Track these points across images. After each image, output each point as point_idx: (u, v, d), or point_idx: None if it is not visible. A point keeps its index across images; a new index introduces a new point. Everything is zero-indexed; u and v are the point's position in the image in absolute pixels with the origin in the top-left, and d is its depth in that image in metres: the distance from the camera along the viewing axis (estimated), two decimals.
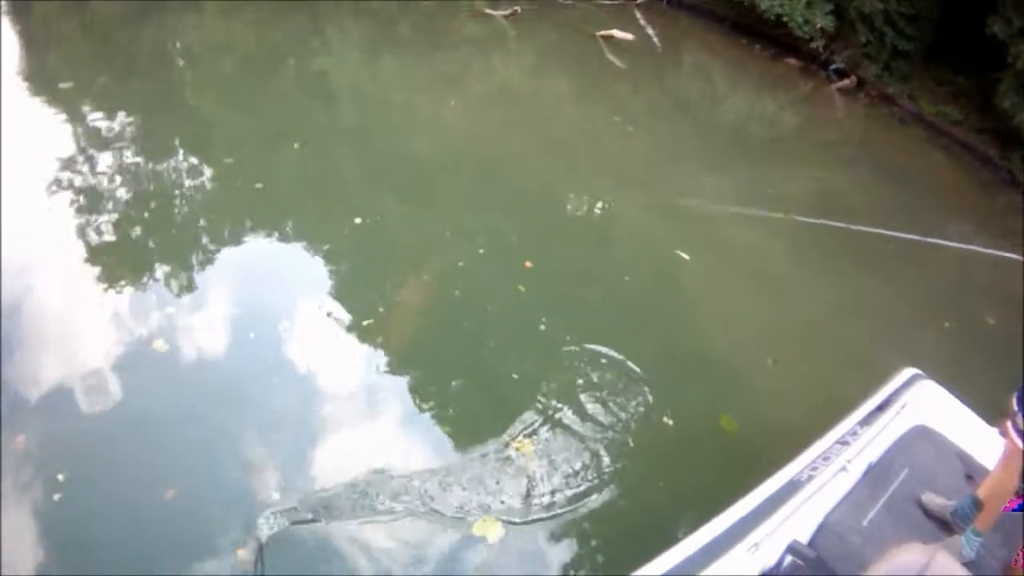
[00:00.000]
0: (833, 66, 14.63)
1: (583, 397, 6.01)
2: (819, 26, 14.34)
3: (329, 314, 6.59)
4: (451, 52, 13.23)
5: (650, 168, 10.57)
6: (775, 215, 5.99)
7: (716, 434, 5.96)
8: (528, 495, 5.09)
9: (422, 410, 5.92)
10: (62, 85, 9.90)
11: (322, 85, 11.41)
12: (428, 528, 4.81)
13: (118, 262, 6.87)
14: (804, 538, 3.56)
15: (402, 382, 6.13)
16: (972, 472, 4.33)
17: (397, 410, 5.86)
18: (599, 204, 9.04)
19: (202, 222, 7.77)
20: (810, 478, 3.96)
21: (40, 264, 6.66)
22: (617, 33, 14.19)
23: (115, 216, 7.46)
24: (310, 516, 4.72)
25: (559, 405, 5.89)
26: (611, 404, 5.99)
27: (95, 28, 12.47)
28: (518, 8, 14.41)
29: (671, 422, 5.96)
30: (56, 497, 4.66)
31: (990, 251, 6.65)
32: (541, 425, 5.69)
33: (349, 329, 6.49)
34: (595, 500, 5.18)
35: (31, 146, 8.27)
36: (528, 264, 7.46)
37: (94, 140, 8.69)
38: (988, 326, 8.18)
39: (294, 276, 7.26)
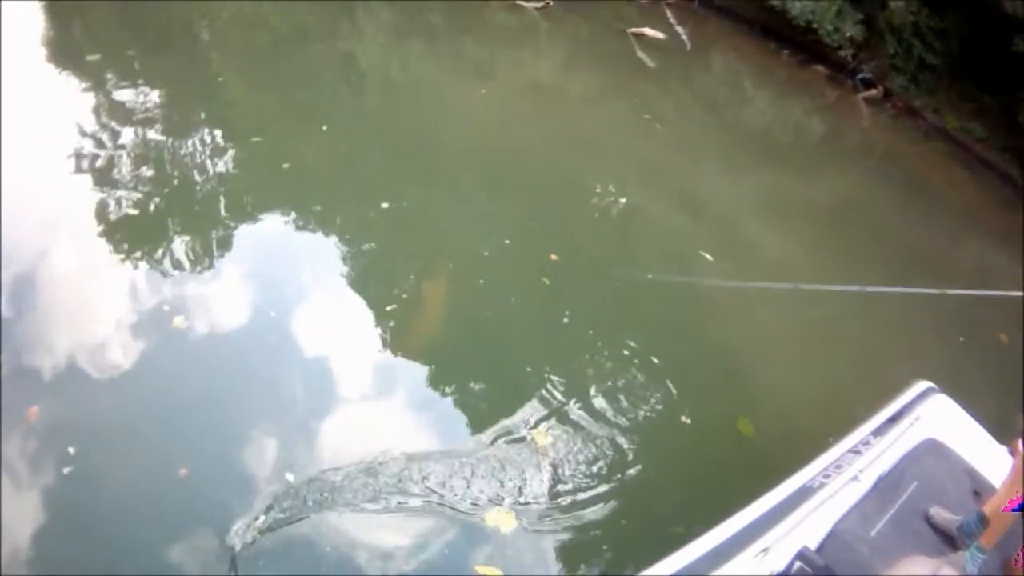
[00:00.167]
0: (860, 76, 14.64)
1: (603, 392, 6.04)
2: (848, 35, 14.36)
3: (352, 298, 6.62)
4: (481, 41, 13.21)
5: (676, 167, 10.60)
6: (782, 286, 6.01)
7: (732, 436, 6.00)
8: (542, 487, 5.10)
9: (440, 398, 5.94)
10: (89, 57, 9.79)
11: (350, 68, 11.39)
12: (441, 516, 4.81)
13: (140, 237, 6.81)
14: (813, 545, 3.58)
15: (422, 369, 6.14)
16: (979, 489, 4.34)
17: (415, 397, 5.89)
18: (625, 200, 9.03)
19: (227, 200, 7.69)
20: (822, 485, 3.99)
21: (61, 237, 6.62)
22: (648, 31, 14.17)
23: (139, 190, 7.40)
24: (301, 513, 4.63)
25: (578, 398, 5.91)
26: (630, 400, 6.03)
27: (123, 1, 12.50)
28: (550, 1, 14.41)
29: (689, 421, 5.99)
30: (66, 470, 4.62)
31: (999, 293, 6.66)
32: (559, 417, 5.71)
33: (371, 314, 6.49)
34: (608, 495, 5.19)
35: (56, 118, 8.24)
36: (554, 257, 7.47)
37: (119, 113, 8.61)
38: (1001, 344, 8.21)
39: (318, 258, 7.21)
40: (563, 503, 5.08)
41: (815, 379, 6.96)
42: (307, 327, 6.18)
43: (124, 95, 8.96)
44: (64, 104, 8.61)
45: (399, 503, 4.81)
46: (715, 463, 5.75)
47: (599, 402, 5.95)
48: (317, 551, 4.52)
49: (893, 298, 8.07)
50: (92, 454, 4.74)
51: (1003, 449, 4.61)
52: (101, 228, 6.82)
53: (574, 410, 5.82)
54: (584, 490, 5.19)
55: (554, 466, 5.30)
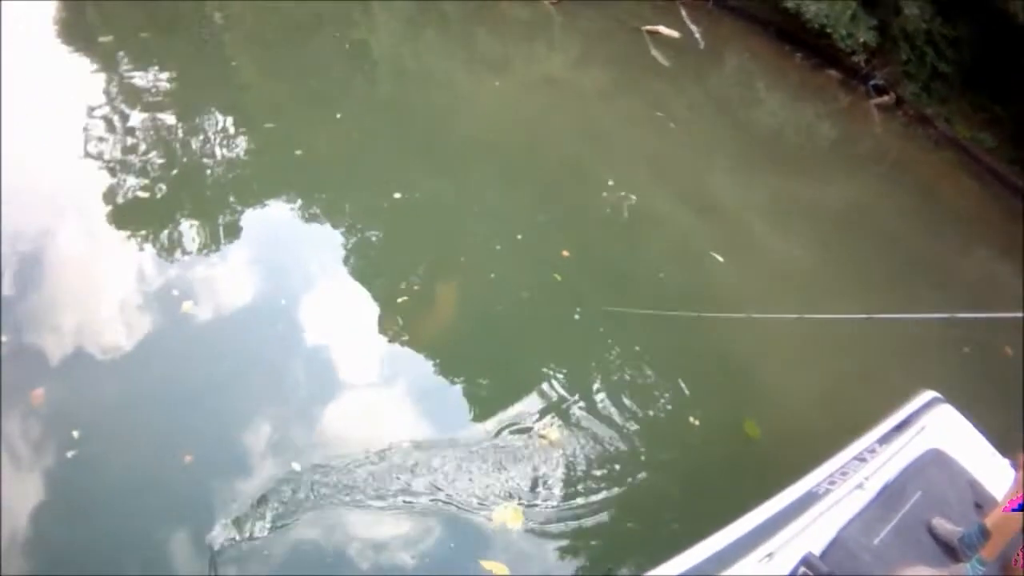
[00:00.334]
0: (873, 81, 14.59)
1: (613, 390, 6.08)
2: (862, 40, 14.29)
3: (362, 288, 6.64)
4: (495, 33, 13.21)
5: (688, 166, 10.60)
6: (787, 316, 6.03)
7: (739, 438, 6.03)
8: (549, 483, 5.13)
9: (448, 391, 5.97)
10: (102, 39, 9.86)
11: (364, 57, 11.42)
12: (447, 511, 4.82)
13: (151, 221, 6.83)
14: (818, 551, 3.61)
15: (431, 362, 6.16)
16: (981, 501, 4.35)
17: (423, 389, 5.89)
18: (636, 197, 9.03)
19: (240, 186, 7.73)
20: (827, 491, 4.02)
21: (71, 219, 6.64)
22: (663, 29, 14.17)
23: (150, 174, 7.42)
24: (306, 504, 4.63)
25: (588, 396, 5.95)
26: (640, 399, 6.06)
27: None
28: None
29: (697, 422, 6.02)
30: (70, 454, 4.65)
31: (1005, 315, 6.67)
32: (568, 414, 5.75)
33: (381, 305, 6.51)
34: (615, 494, 5.22)
35: (67, 98, 8.27)
36: (565, 253, 7.50)
37: (131, 95, 8.65)
38: (1005, 356, 8.23)
39: (330, 247, 7.24)
40: (570, 501, 5.10)
41: (821, 383, 6.98)
42: (317, 316, 6.21)
43: (136, 77, 9.02)
44: (76, 85, 8.65)
45: (405, 496, 4.82)
46: (721, 464, 5.77)
47: (609, 400, 5.98)
48: (321, 542, 4.53)
49: (902, 308, 8.05)
50: (96, 438, 4.76)
51: (1005, 462, 4.65)
52: (112, 211, 6.86)
53: (584, 407, 5.85)
54: (591, 488, 5.22)
55: (562, 463, 5.33)
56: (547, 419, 5.66)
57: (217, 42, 10.81)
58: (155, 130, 8.12)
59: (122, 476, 4.65)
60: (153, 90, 8.81)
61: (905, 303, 8.41)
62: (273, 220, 7.41)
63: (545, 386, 5.98)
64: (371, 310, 6.47)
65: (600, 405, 5.92)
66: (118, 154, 7.60)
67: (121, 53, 9.50)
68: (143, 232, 6.65)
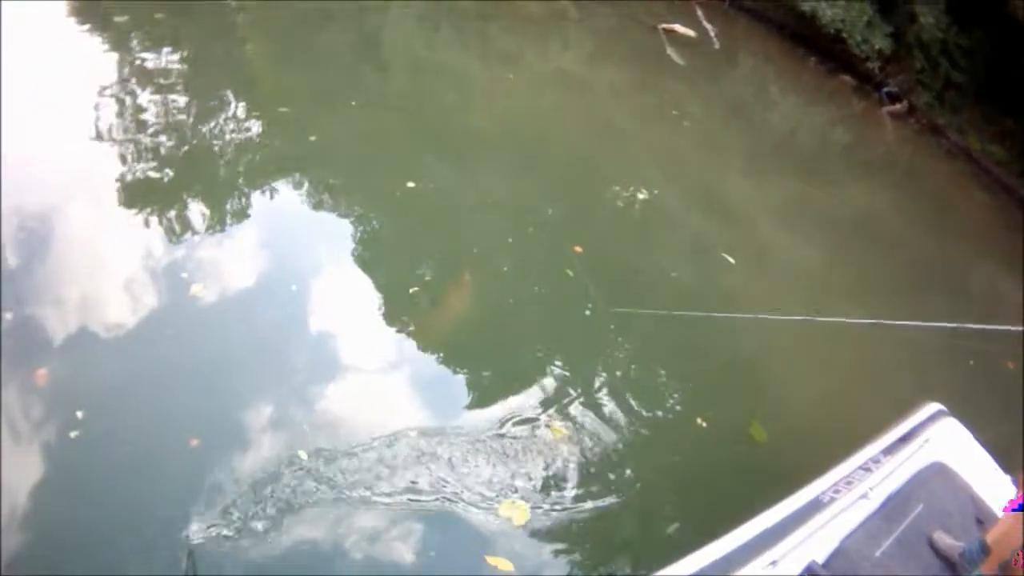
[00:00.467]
0: (886, 89, 14.63)
1: (622, 387, 6.07)
2: (877, 47, 14.31)
3: (374, 277, 6.61)
4: (510, 27, 13.13)
5: (700, 165, 10.63)
6: (797, 319, 6.03)
7: (745, 441, 6.02)
8: (556, 480, 5.12)
9: (456, 383, 5.96)
10: (117, 19, 9.78)
11: (377, 47, 11.38)
12: (452, 504, 4.79)
13: (162, 202, 6.74)
14: (821, 560, 3.64)
15: (439, 353, 6.14)
16: (982, 516, 4.38)
17: (431, 381, 5.88)
18: (648, 195, 9.07)
19: (252, 169, 7.67)
20: (832, 500, 4.05)
21: (81, 199, 6.59)
22: (679, 28, 14.16)
23: (162, 155, 7.37)
24: (311, 494, 4.58)
25: (596, 393, 5.95)
26: (649, 398, 6.07)
27: None
28: None
29: (704, 424, 6.02)
30: (73, 434, 4.57)
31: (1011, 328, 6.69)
32: (576, 410, 5.73)
33: (392, 294, 6.48)
34: (621, 493, 5.21)
35: (81, 77, 8.22)
36: (578, 249, 7.47)
37: (145, 75, 8.59)
38: (1008, 370, 8.26)
39: (342, 234, 7.18)
40: (576, 498, 5.09)
41: (827, 390, 7.00)
42: (327, 303, 6.20)
43: (150, 57, 8.97)
44: (89, 64, 8.61)
45: (411, 488, 4.79)
46: (728, 467, 5.76)
47: (618, 397, 5.97)
48: (325, 532, 4.51)
49: (908, 316, 8.06)
50: (101, 419, 4.70)
51: (1007, 479, 4.68)
52: (122, 191, 6.79)
53: (592, 404, 5.84)
54: (597, 485, 5.21)
55: (569, 459, 5.31)
56: (555, 414, 5.65)
57: (233, 25, 10.75)
58: (168, 111, 8.08)
59: (126, 458, 4.58)
60: (167, 71, 8.76)
61: (911, 311, 8.38)
62: (286, 205, 7.40)
63: (554, 381, 5.97)
64: (381, 299, 6.43)
65: (609, 403, 5.90)
66: (131, 134, 7.54)
67: (136, 33, 9.46)
68: (153, 212, 6.58)
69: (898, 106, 14.47)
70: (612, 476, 5.33)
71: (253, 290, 6.15)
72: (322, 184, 7.71)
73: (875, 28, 14.33)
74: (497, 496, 4.90)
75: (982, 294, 10.28)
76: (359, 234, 7.23)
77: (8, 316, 5.19)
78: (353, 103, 9.17)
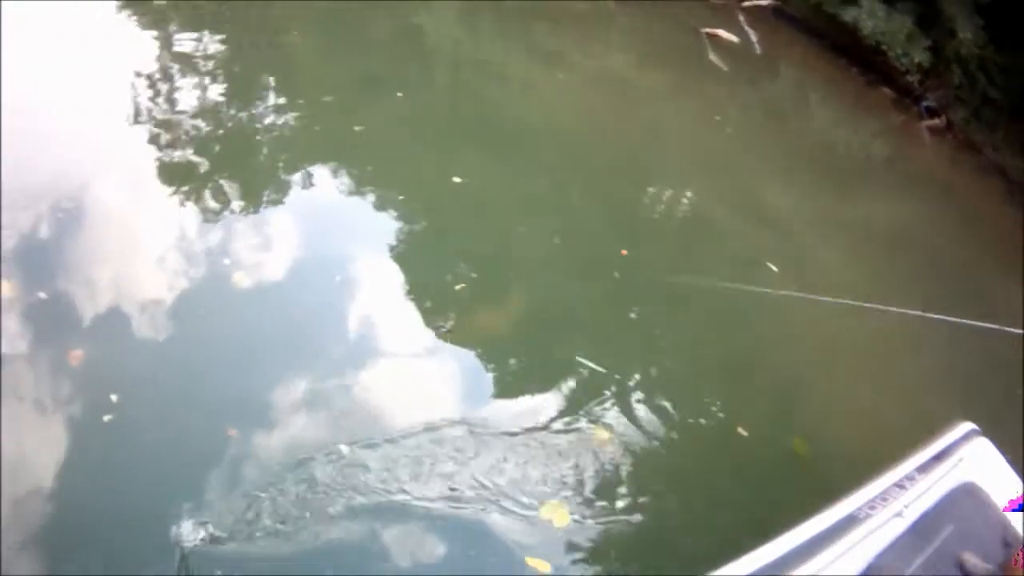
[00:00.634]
0: (925, 103, 14.59)
1: (665, 393, 6.05)
2: (916, 60, 14.29)
3: (421, 273, 6.61)
4: (553, 26, 13.10)
5: (742, 172, 10.62)
6: (844, 303, 6.01)
7: (786, 454, 6.00)
8: (597, 483, 5.09)
9: (498, 382, 5.93)
10: (157, 2, 9.81)
11: (421, 41, 11.34)
12: (494, 503, 4.73)
13: (203, 187, 6.71)
14: None
15: (484, 351, 6.11)
16: (1010, 540, 4.27)
17: (473, 379, 5.85)
18: (696, 204, 9.12)
19: (296, 159, 7.60)
20: (867, 516, 3.99)
21: (121, 181, 6.53)
22: (723, 33, 14.18)
23: (206, 141, 7.35)
24: (354, 489, 4.51)
25: (640, 397, 5.92)
26: (691, 405, 6.05)
27: None
28: None
29: (745, 433, 5.96)
30: (106, 418, 4.49)
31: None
32: (618, 414, 5.69)
33: (437, 289, 6.47)
34: (661, 499, 5.19)
35: (120, 62, 8.16)
36: (624, 252, 7.50)
37: (186, 59, 8.57)
38: None
39: (387, 226, 7.16)
40: (617, 501, 5.05)
41: (869, 404, 6.92)
42: (371, 296, 6.18)
43: (191, 41, 8.95)
44: (128, 46, 8.59)
45: (451, 487, 4.74)
46: (766, 479, 5.72)
47: (660, 403, 5.95)
48: (364, 529, 4.44)
49: (953, 338, 8.03)
50: (136, 404, 4.61)
51: None
52: (166, 175, 6.76)
53: (635, 408, 5.82)
54: (637, 490, 5.17)
55: (610, 462, 5.28)
56: (598, 417, 5.63)
57: (275, 9, 10.68)
58: (211, 96, 8.10)
59: (160, 444, 4.47)
60: (208, 55, 8.77)
61: (957, 336, 8.38)
62: (332, 196, 7.40)
63: (596, 384, 5.92)
64: (427, 296, 6.41)
65: (651, 407, 5.87)
66: (172, 119, 7.50)
67: (176, 15, 9.48)
68: (195, 199, 6.55)
69: (937, 121, 14.43)
70: (652, 482, 5.30)
71: (295, 280, 6.10)
72: (368, 175, 7.71)
73: (915, 41, 14.29)
74: (538, 497, 4.86)
75: (1013, 312, 10.27)
76: (405, 228, 7.22)
77: (42, 295, 5.15)
78: (399, 94, 9.15)
